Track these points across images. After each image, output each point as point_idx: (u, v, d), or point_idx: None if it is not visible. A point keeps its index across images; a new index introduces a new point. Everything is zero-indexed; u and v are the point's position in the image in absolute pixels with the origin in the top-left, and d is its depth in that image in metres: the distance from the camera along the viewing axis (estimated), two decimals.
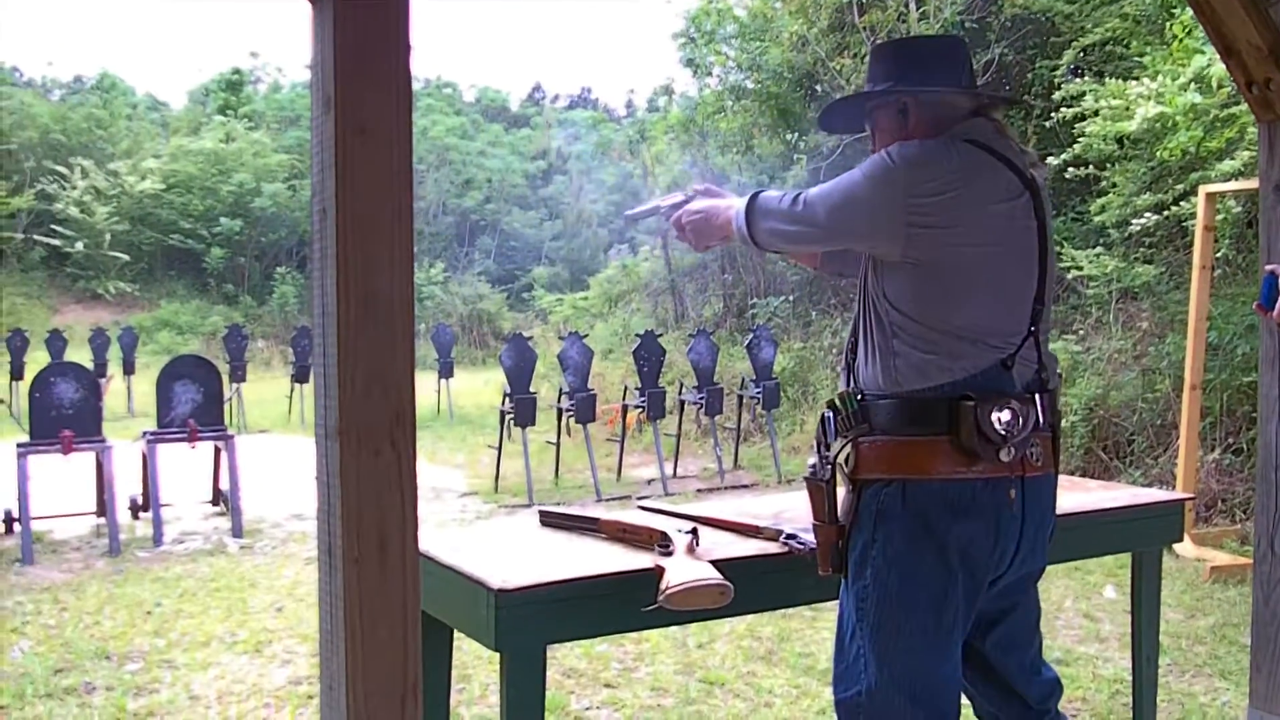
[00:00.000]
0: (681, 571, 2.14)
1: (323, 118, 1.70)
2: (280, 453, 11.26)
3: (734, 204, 2.38)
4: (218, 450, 7.65)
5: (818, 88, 13.43)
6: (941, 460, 2.07)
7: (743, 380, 10.39)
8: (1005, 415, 2.06)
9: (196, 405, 7.18)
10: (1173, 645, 4.61)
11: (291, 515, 7.91)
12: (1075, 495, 3.05)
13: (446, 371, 14.87)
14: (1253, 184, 5.83)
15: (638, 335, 10.06)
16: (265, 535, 7.25)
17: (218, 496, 7.95)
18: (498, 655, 2.19)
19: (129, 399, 15.04)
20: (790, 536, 2.42)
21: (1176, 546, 5.92)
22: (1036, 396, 2.15)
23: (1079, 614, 5.17)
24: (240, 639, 4.90)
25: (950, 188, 2.07)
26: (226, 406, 9.99)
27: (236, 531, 7.15)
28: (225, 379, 13.34)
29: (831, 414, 2.20)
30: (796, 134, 13.40)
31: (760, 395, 9.86)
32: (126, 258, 27.57)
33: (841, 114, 2.47)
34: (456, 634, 2.52)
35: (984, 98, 2.29)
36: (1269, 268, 2.45)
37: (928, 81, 2.23)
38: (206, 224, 29.09)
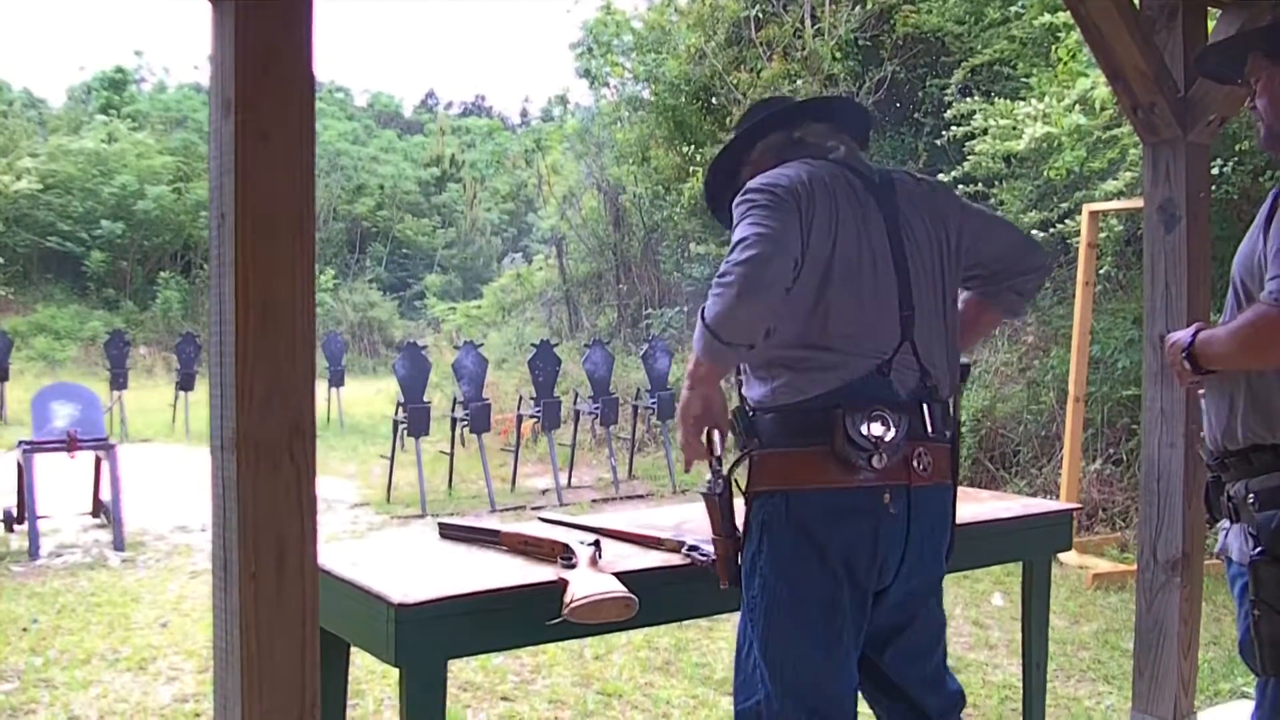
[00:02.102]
0: (586, 585, 2.12)
1: (222, 121, 1.66)
2: (164, 462, 10.96)
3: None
4: (98, 460, 7.39)
5: (714, 100, 13.54)
6: (821, 470, 2.09)
7: (638, 390, 10.43)
8: (875, 424, 2.07)
9: (74, 420, 6.96)
10: (1058, 651, 4.72)
11: (176, 527, 7.70)
12: (969, 506, 3.10)
13: (337, 380, 14.67)
14: (1134, 203, 6.03)
15: (533, 345, 10.04)
16: (148, 548, 7.04)
17: (98, 508, 7.68)
18: (395, 670, 2.15)
19: (2, 406, 14.49)
20: (692, 548, 2.42)
21: (1061, 555, 6.07)
22: (924, 406, 2.18)
23: (968, 621, 5.28)
24: (123, 656, 4.74)
25: (783, 205, 2.11)
26: (107, 415, 9.70)
27: (118, 544, 6.92)
28: (106, 386, 13.03)
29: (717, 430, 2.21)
30: (693, 146, 13.49)
31: (655, 405, 9.90)
32: (0, 260, 26.56)
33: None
34: (352, 649, 2.47)
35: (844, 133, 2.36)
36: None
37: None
38: (86, 226, 28.10)
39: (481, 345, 10.29)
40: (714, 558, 2.29)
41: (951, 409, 2.28)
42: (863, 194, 2.19)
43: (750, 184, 2.16)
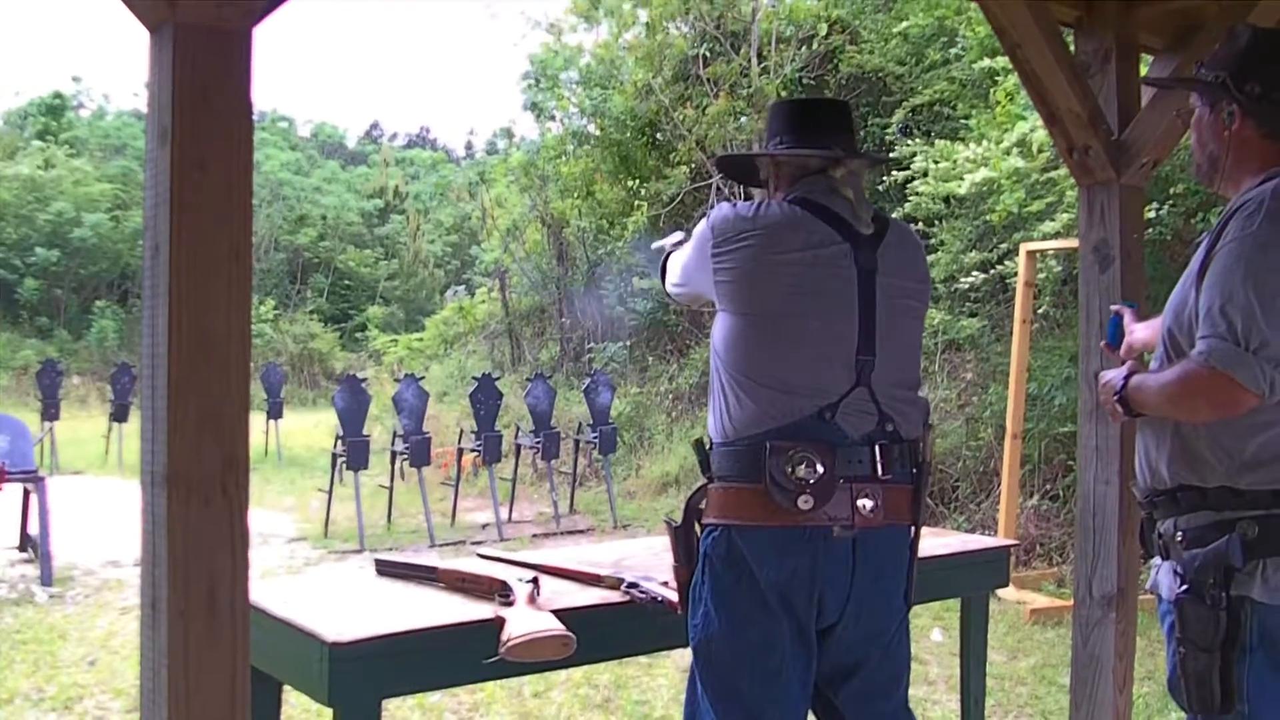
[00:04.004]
0: (523, 622, 2.11)
1: (158, 150, 1.63)
2: (96, 495, 10.74)
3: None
4: (27, 493, 7.21)
5: (659, 136, 13.62)
6: (759, 508, 2.11)
7: (580, 425, 10.39)
8: (799, 466, 2.07)
9: (2, 451, 6.79)
10: (996, 686, 4.75)
11: (107, 562, 7.53)
12: None
13: (276, 412, 14.47)
14: (1070, 243, 6.13)
15: (474, 378, 9.97)
16: (77, 583, 6.88)
17: (25, 542, 7.49)
18: (329, 710, 2.11)
19: None
20: (632, 585, 2.40)
21: (999, 590, 6.11)
22: (876, 448, 2.18)
23: None
24: (48, 695, 4.62)
25: (744, 243, 2.18)
26: (38, 447, 9.49)
27: (46, 580, 6.75)
28: (37, 417, 12.75)
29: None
30: (638, 180, 13.54)
31: (597, 440, 9.86)
32: None
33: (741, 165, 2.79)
34: (285, 688, 2.42)
35: (825, 158, 2.31)
36: (1113, 308, 2.58)
37: (795, 141, 2.34)
38: (21, 253, 27.59)
39: (423, 378, 10.22)
40: (654, 594, 2.31)
41: (922, 450, 2.28)
42: (836, 241, 2.19)
43: (712, 215, 2.27)
